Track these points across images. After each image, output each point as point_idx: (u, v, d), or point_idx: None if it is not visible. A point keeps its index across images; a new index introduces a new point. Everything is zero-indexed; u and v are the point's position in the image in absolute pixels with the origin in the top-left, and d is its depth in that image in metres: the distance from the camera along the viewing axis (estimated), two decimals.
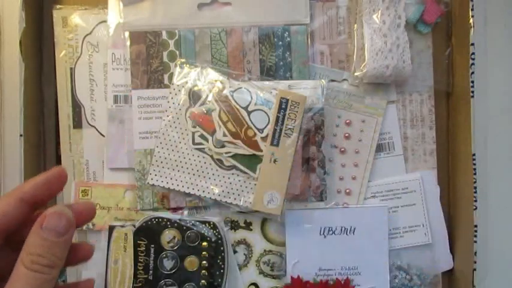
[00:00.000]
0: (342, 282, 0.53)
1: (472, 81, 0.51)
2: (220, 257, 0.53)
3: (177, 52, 0.54)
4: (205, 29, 0.54)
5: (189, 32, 0.54)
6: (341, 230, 0.53)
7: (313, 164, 0.53)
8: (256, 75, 0.54)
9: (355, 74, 0.54)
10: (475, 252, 0.51)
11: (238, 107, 0.52)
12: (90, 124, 0.55)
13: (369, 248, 0.54)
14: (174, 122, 0.53)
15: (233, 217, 0.55)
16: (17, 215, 0.33)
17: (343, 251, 0.54)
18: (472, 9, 0.51)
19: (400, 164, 0.56)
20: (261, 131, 0.52)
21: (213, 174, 0.52)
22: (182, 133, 0.53)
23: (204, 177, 0.52)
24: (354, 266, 0.53)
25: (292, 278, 0.53)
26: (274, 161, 0.51)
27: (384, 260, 0.54)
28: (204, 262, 0.52)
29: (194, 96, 0.53)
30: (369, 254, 0.54)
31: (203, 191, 0.52)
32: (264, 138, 0.52)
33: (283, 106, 0.51)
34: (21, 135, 0.50)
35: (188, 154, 0.53)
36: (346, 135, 0.55)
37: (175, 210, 0.54)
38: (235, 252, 0.55)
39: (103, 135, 0.55)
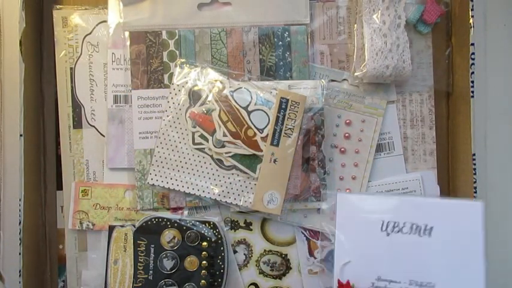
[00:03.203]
0: None
1: (472, 81, 0.51)
2: (220, 257, 0.53)
3: (177, 52, 0.54)
4: (205, 29, 0.54)
5: (189, 32, 0.54)
6: (411, 228, 0.39)
7: (313, 164, 0.53)
8: (256, 75, 0.54)
9: (355, 74, 0.54)
10: None
11: (238, 107, 0.52)
12: (90, 124, 0.55)
13: (454, 259, 0.38)
14: (174, 122, 0.53)
15: (233, 217, 0.55)
16: None
17: (414, 258, 0.39)
18: (472, 9, 0.51)
19: (400, 164, 0.55)
20: (261, 131, 0.52)
21: (213, 174, 0.52)
22: (182, 133, 0.53)
23: (204, 177, 0.52)
24: (430, 283, 0.38)
25: (339, 282, 0.41)
26: (274, 161, 0.51)
27: (478, 278, 0.37)
28: (204, 262, 0.52)
29: (194, 96, 0.53)
30: (454, 268, 0.38)
31: (203, 191, 0.52)
32: (264, 138, 0.52)
33: (283, 106, 0.51)
34: (21, 135, 0.50)
35: (188, 154, 0.53)
36: (346, 135, 0.55)
37: (175, 210, 0.54)
38: (235, 252, 0.55)
39: (103, 135, 0.55)
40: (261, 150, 0.51)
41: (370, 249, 0.40)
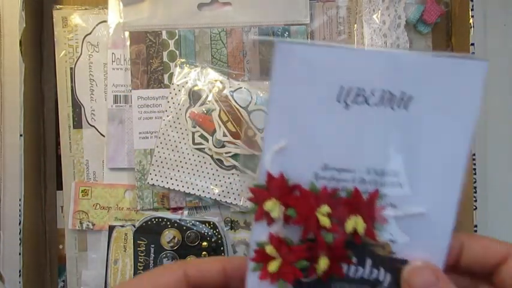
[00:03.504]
0: (365, 196, 0.28)
1: None
2: None
3: (177, 52, 0.54)
4: (205, 29, 0.54)
5: (189, 32, 0.54)
6: (382, 96, 0.27)
7: None
8: (256, 75, 0.54)
9: None
10: None
11: (238, 107, 0.52)
12: (90, 124, 0.55)
13: (434, 141, 0.28)
14: (174, 122, 0.53)
15: (233, 217, 0.55)
16: None
17: (380, 138, 0.28)
18: (472, 9, 0.51)
19: None
20: (261, 131, 0.52)
21: (213, 174, 0.52)
22: (182, 133, 0.53)
23: (204, 177, 0.52)
24: (394, 171, 0.28)
25: (268, 174, 0.29)
26: None
27: (458, 166, 0.28)
28: None
29: (194, 96, 0.53)
30: (431, 152, 0.28)
31: (203, 191, 0.52)
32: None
33: None
34: (21, 135, 0.50)
35: (188, 154, 0.53)
36: None
37: (175, 210, 0.54)
38: (235, 252, 0.55)
39: (103, 135, 0.55)
40: (261, 150, 0.51)
41: (317, 128, 0.28)
